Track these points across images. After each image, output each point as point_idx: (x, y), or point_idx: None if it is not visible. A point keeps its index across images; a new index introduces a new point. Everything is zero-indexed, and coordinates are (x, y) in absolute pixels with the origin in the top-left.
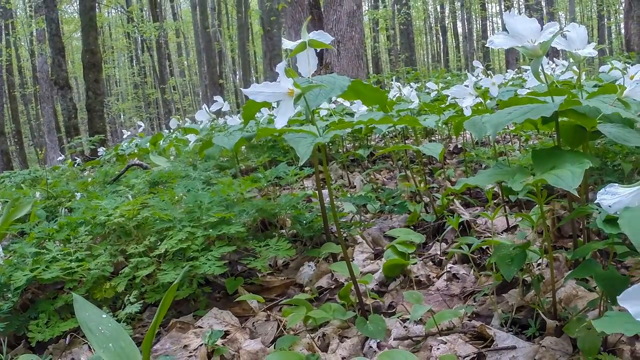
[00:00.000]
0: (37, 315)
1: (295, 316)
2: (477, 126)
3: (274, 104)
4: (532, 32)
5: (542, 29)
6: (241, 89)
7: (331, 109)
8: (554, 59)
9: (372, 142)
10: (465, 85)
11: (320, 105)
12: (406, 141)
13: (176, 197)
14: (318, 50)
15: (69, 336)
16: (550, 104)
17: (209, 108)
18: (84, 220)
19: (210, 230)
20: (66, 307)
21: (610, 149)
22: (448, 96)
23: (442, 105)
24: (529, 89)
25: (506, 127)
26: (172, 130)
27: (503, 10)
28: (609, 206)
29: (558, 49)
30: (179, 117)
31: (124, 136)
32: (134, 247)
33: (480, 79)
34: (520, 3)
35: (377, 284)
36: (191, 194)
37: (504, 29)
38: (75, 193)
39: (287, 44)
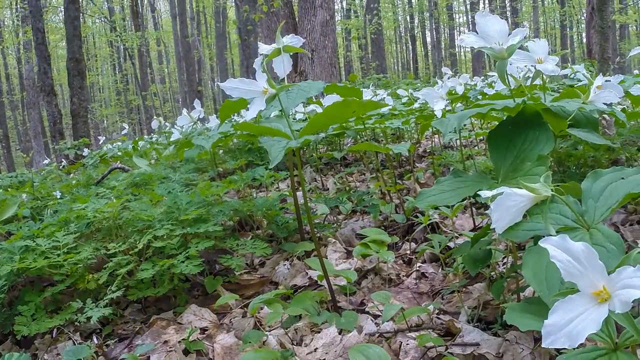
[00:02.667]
0: (25, 303)
1: (272, 314)
2: (443, 124)
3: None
4: (500, 34)
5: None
6: (218, 83)
7: (307, 113)
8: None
9: (345, 147)
10: (437, 89)
11: (298, 105)
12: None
13: (158, 200)
14: (292, 55)
15: (55, 330)
16: (510, 102)
17: (189, 114)
18: (67, 219)
19: (188, 229)
20: (53, 302)
21: (573, 153)
22: (417, 99)
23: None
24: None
25: (471, 130)
26: (154, 131)
27: (470, 20)
28: (497, 221)
29: (522, 65)
30: (160, 119)
31: (100, 141)
32: (117, 246)
33: (449, 80)
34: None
35: (348, 282)
36: (170, 196)
37: (474, 30)
38: (55, 193)
39: (263, 48)
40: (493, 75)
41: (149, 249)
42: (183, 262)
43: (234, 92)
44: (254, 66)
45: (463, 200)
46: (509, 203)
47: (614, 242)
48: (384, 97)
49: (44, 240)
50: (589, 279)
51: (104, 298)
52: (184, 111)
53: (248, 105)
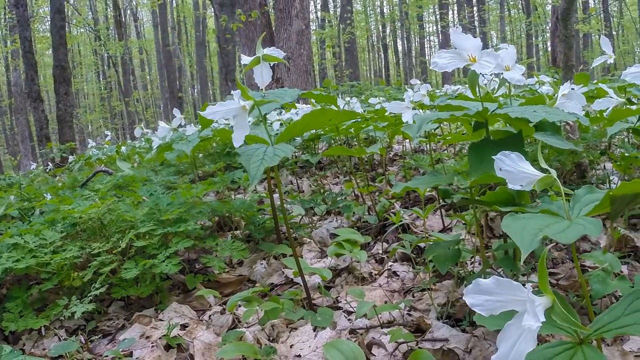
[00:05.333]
0: (12, 300)
1: (249, 311)
2: (412, 129)
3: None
4: (474, 48)
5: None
6: (198, 111)
7: (282, 120)
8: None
9: (320, 151)
10: (403, 100)
11: (272, 109)
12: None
13: (139, 200)
14: (271, 65)
15: (43, 328)
16: (477, 104)
17: (170, 119)
18: (54, 219)
19: (169, 228)
20: (39, 299)
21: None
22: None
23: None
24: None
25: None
26: (137, 138)
27: (440, 30)
28: (500, 169)
29: (488, 73)
30: (142, 126)
31: (89, 145)
32: (101, 246)
33: (416, 92)
34: (456, 23)
35: (323, 280)
36: (151, 198)
37: (443, 41)
38: (45, 194)
39: (245, 59)
40: (458, 88)
41: (131, 248)
42: (163, 261)
43: (215, 116)
44: (231, 93)
45: (434, 201)
46: (522, 163)
47: (592, 222)
48: (355, 105)
49: (32, 237)
50: (516, 302)
51: (88, 295)
52: (161, 123)
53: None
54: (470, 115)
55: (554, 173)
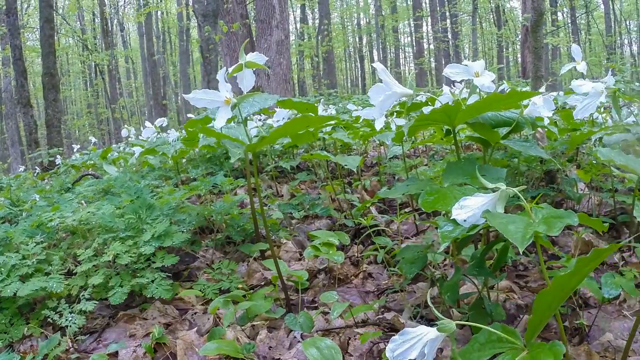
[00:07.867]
0: (0, 310)
1: (230, 313)
2: (387, 136)
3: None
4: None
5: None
6: (182, 94)
7: (259, 126)
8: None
9: (297, 156)
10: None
11: (254, 111)
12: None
13: (122, 207)
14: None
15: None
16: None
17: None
18: (41, 223)
19: (153, 242)
20: (27, 304)
21: (509, 163)
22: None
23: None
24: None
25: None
26: (124, 138)
27: (415, 41)
28: (464, 220)
29: (458, 79)
30: (128, 127)
31: (74, 149)
32: (85, 252)
33: None
34: (429, 35)
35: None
36: (130, 207)
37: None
38: (35, 196)
39: (230, 69)
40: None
41: (115, 261)
42: (152, 281)
43: (198, 102)
44: (216, 77)
45: (408, 209)
46: (473, 199)
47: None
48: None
49: (13, 254)
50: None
51: (76, 307)
52: (147, 123)
53: (211, 115)
54: (440, 115)
55: (503, 186)
